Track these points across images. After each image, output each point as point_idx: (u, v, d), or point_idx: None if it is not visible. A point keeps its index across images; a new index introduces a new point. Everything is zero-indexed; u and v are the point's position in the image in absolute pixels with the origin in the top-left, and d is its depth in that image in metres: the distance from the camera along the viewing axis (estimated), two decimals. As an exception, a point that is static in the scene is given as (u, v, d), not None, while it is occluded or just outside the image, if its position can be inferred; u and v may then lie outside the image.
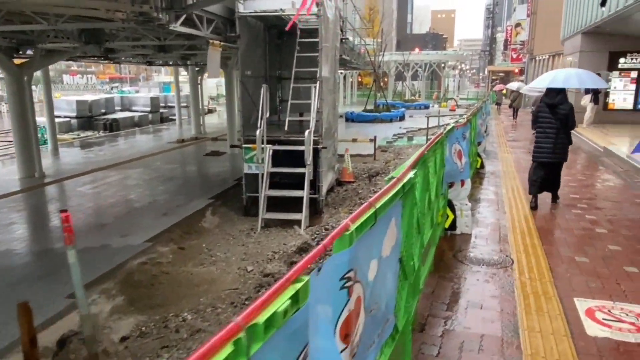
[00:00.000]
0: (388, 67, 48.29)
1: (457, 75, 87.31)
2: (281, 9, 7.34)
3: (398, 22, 79.65)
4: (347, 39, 12.50)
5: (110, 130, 22.02)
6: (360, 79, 65.64)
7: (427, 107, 36.87)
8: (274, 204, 7.74)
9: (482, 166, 9.47)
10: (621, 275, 4.42)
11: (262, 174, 7.50)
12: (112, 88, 54.06)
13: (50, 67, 14.78)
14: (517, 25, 57.14)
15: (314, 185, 8.10)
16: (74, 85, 71.63)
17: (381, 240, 1.90)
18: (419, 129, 20.64)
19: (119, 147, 16.53)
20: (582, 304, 3.82)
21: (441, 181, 4.61)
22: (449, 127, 4.94)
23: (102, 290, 4.82)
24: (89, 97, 25.29)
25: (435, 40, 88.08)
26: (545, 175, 6.58)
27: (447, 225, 5.43)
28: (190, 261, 5.78)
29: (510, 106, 23.54)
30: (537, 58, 37.62)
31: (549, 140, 6.32)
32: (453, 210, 5.41)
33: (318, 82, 7.64)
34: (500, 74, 66.27)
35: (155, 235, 6.47)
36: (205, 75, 19.20)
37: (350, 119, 24.96)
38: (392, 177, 2.15)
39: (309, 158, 7.18)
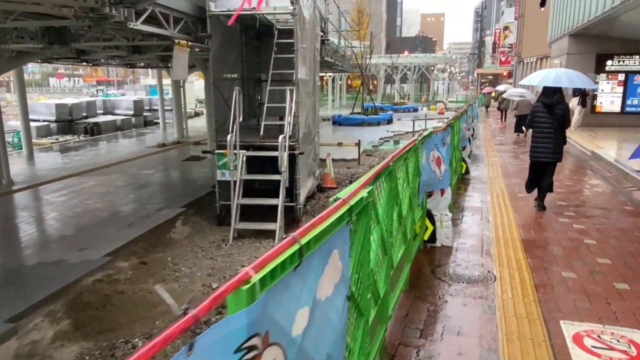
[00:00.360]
0: (377, 70, 48.16)
1: (447, 78, 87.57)
2: (254, 8, 6.95)
3: (387, 25, 79.66)
4: (329, 40, 12.12)
5: (91, 134, 21.43)
6: (349, 82, 65.47)
7: (415, 110, 36.68)
8: (251, 213, 7.34)
9: (467, 172, 9.15)
10: (611, 292, 4.08)
11: (235, 181, 7.09)
12: (97, 91, 53.19)
13: (37, 70, 14.26)
14: (506, 28, 57.36)
15: (292, 193, 7.71)
16: (60, 89, 70.62)
17: (315, 281, 1.52)
18: (406, 133, 20.38)
19: (97, 151, 16.00)
20: (569, 328, 3.47)
21: (417, 192, 4.25)
22: (425, 133, 4.58)
23: (47, 313, 4.38)
24: (70, 100, 24.66)
25: (425, 43, 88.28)
26: (540, 174, 6.68)
27: (426, 237, 5.07)
28: (151, 277, 5.35)
29: (498, 108, 23.36)
30: (525, 61, 37.63)
31: (548, 140, 6.36)
32: (432, 221, 5.06)
33: (294, 85, 7.25)
34: (489, 77, 66.56)
35: (117, 248, 6.02)
36: (193, 77, 18.99)
37: (337, 122, 24.62)
38: (338, 199, 1.77)
39: (283, 165, 6.78)
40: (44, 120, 21.24)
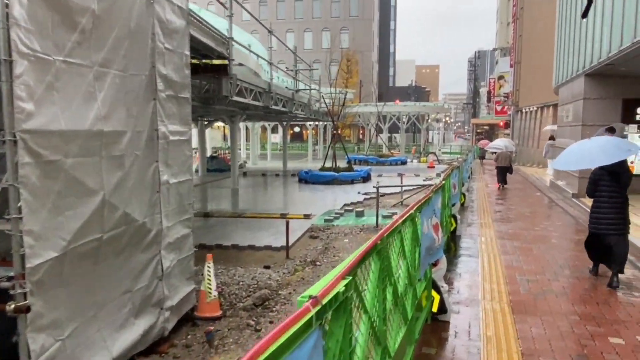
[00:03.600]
0: (366, 119, 44.95)
1: (442, 128, 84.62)
2: None
3: (380, 75, 77.76)
4: (230, 71, 7.97)
5: None
6: (337, 131, 62.10)
7: (404, 162, 32.76)
8: None
9: (442, 308, 4.74)
10: None
11: None
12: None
13: None
14: (500, 77, 55.00)
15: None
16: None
17: None
18: (382, 195, 16.15)
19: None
20: None
21: None
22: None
23: None
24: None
25: (418, 93, 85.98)
26: (605, 249, 5.94)
27: None
28: None
29: (496, 160, 19.01)
30: (524, 110, 34.17)
31: (614, 210, 5.80)
32: None
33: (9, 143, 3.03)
34: (485, 127, 63.65)
35: None
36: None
37: (303, 179, 20.48)
38: None
39: None
40: None
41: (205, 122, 23.69)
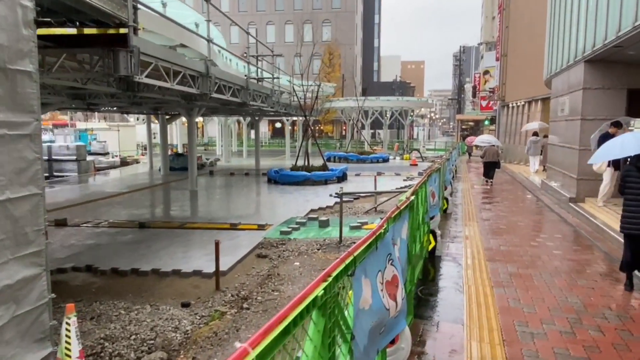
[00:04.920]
0: (347, 114, 43.23)
1: (427, 124, 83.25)
2: None
3: (363, 70, 75.94)
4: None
5: None
6: (320, 127, 60.12)
7: (386, 160, 31.05)
8: None
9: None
10: None
11: None
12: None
13: None
14: (486, 72, 53.62)
15: None
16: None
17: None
18: (355, 199, 14.37)
19: None
20: None
21: None
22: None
23: None
24: None
25: (403, 88, 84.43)
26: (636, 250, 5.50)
27: None
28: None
29: (482, 156, 17.60)
30: (510, 105, 32.65)
31: None
32: None
33: None
34: (470, 123, 62.37)
35: None
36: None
37: (273, 179, 18.59)
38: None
39: None
40: None
41: (168, 117, 21.62)
